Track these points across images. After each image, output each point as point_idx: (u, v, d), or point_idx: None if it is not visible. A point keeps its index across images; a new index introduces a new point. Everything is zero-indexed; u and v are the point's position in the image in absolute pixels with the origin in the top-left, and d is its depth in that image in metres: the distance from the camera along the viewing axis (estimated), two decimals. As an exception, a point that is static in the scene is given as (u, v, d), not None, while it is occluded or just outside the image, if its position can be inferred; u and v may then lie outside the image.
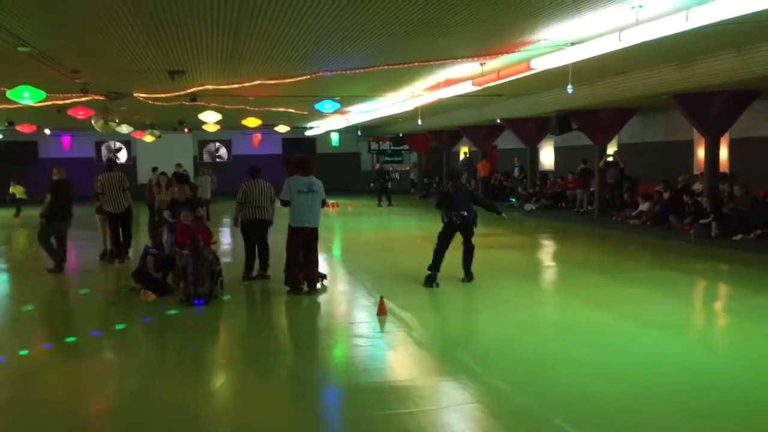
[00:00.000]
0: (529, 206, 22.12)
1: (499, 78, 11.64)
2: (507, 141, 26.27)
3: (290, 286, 9.51)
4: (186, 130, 27.81)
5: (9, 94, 11.16)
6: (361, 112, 22.27)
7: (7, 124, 22.44)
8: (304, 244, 9.48)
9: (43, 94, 11.27)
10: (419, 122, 20.44)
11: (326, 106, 15.20)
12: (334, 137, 34.23)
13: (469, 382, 5.80)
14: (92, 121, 16.05)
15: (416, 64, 11.34)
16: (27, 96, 10.96)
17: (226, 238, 16.21)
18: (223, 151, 35.17)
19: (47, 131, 27.60)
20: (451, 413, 5.17)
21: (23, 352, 6.95)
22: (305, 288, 9.51)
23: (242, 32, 8.90)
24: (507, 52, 10.35)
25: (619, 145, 21.00)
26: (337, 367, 6.63)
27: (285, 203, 9.44)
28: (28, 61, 10.14)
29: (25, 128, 22.56)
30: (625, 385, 5.71)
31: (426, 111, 19.26)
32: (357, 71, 11.76)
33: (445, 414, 5.17)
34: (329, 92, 15.49)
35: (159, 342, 7.76)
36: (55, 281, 11.28)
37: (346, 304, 9.35)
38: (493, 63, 11.44)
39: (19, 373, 6.43)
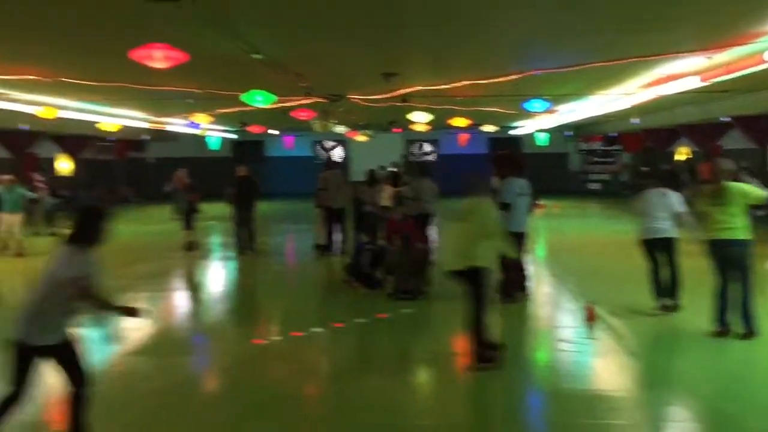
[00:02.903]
0: (760, 212, 20.07)
1: (727, 72, 10.73)
2: (734, 141, 24.05)
3: (505, 295, 8.86)
4: (396, 129, 28.80)
5: (243, 97, 12.31)
6: (571, 111, 21.61)
7: (240, 125, 24.72)
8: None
9: (273, 98, 12.29)
10: (633, 121, 19.40)
11: (535, 105, 14.96)
12: (542, 136, 33.56)
13: (688, 400, 5.43)
14: (312, 122, 17.17)
15: (633, 60, 10.78)
16: (260, 99, 12.03)
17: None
18: (430, 150, 35.95)
19: (274, 131, 30.05)
20: None
21: (254, 337, 7.68)
22: (520, 297, 9.05)
23: (457, 37, 9.06)
24: (737, 45, 9.49)
25: None
26: (541, 370, 6.54)
27: (505, 206, 8.47)
28: (260, 68, 11.09)
29: (255, 129, 24.71)
30: None
31: (641, 109, 18.23)
32: (569, 69, 11.44)
33: None
34: (539, 91, 15.21)
35: (365, 333, 8.14)
36: (277, 269, 12.28)
37: (550, 307, 9.16)
38: (721, 57, 10.55)
39: (248, 356, 7.11)
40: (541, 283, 10.51)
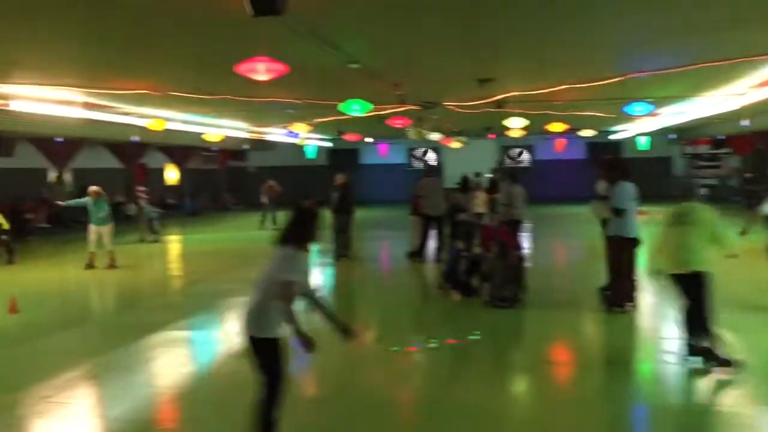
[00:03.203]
0: None
1: None
2: None
3: (613, 304, 8.69)
4: (491, 135, 28.56)
5: (340, 107, 12.56)
6: (675, 114, 20.75)
7: (337, 133, 25.19)
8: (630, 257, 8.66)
9: (369, 106, 12.47)
10: (743, 123, 18.42)
11: (637, 108, 14.47)
12: (643, 140, 32.41)
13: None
14: (407, 130, 17.28)
15: (742, 60, 10.26)
16: (356, 108, 12.24)
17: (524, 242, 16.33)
18: (525, 156, 35.43)
19: (369, 139, 30.44)
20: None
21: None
22: (628, 306, 8.76)
23: (558, 40, 8.92)
24: None
25: None
26: (647, 383, 6.31)
27: (619, 212, 8.36)
28: (356, 77, 11.28)
29: (350, 137, 25.12)
30: None
31: (752, 110, 17.28)
32: (673, 70, 11.02)
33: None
34: (641, 93, 14.71)
35: (463, 340, 8.09)
36: (371, 274, 12.42)
37: (655, 318, 8.83)
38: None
39: (344, 359, 7.22)
40: (647, 293, 10.14)
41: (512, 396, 6.11)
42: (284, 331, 4.47)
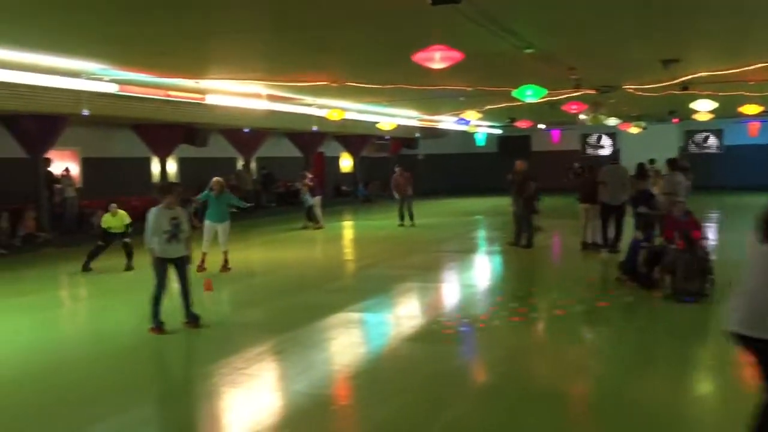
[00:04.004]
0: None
1: None
2: None
3: None
4: (675, 120, 26.86)
5: (514, 93, 12.39)
6: None
7: (508, 120, 24.90)
8: None
9: (544, 91, 12.21)
10: None
11: None
12: None
13: None
14: (580, 115, 16.71)
15: None
16: (530, 94, 12.02)
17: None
18: (712, 141, 32.93)
19: (541, 126, 29.77)
20: None
21: (519, 324, 7.73)
22: None
23: (754, 14, 8.21)
24: None
25: None
26: None
27: None
28: (531, 62, 11.08)
29: (522, 124, 24.73)
30: None
31: None
32: None
33: None
34: None
35: (641, 335, 7.73)
36: (543, 264, 12.18)
37: None
38: None
39: (514, 348, 7.17)
40: None
41: (695, 397, 5.74)
42: None
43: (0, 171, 16.35)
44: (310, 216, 18.90)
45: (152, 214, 7.80)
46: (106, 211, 12.52)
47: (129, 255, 12.13)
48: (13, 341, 7.95)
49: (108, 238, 12.30)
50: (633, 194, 12.07)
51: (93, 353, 7.31)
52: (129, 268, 12.08)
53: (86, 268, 12.15)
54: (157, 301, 7.73)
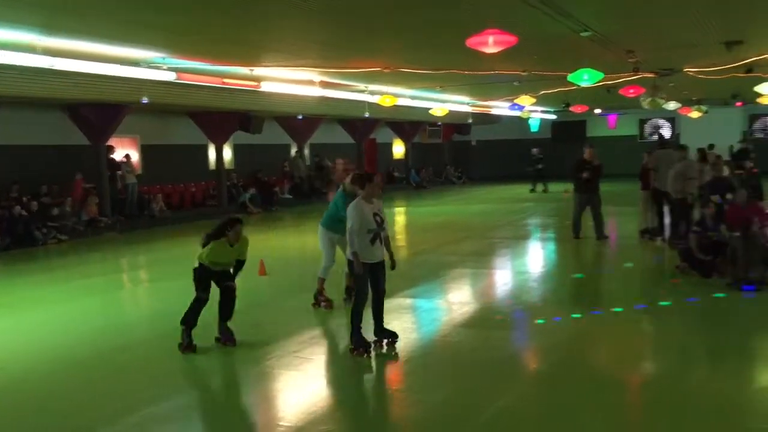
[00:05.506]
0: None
1: None
2: None
3: None
4: (738, 103, 25.95)
5: (570, 77, 12.15)
6: None
7: (563, 105, 24.44)
8: None
9: (600, 75, 11.93)
10: None
11: None
12: None
13: None
14: (640, 99, 16.28)
15: None
16: (586, 78, 11.77)
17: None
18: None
19: (597, 111, 29.14)
20: None
21: (575, 315, 7.65)
22: None
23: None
24: None
25: None
26: None
27: None
28: (587, 45, 10.85)
29: (577, 109, 24.24)
30: None
31: None
32: None
33: None
34: None
35: (700, 325, 7.55)
36: (598, 252, 11.98)
37: None
38: None
39: (569, 336, 7.09)
40: None
41: (757, 389, 5.58)
42: None
43: (64, 157, 16.91)
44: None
45: (355, 208, 6.29)
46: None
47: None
48: (85, 322, 8.28)
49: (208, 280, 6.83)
50: (710, 181, 11.31)
51: (156, 334, 7.55)
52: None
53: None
54: (359, 316, 6.47)
